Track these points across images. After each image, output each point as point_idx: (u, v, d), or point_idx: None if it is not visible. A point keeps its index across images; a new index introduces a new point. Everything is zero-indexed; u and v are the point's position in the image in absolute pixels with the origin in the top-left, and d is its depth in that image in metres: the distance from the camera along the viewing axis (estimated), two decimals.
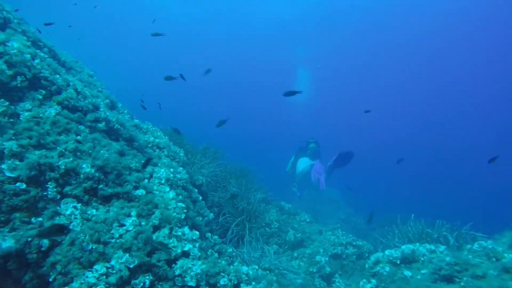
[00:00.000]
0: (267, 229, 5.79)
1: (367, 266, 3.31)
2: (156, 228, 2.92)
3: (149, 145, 4.85)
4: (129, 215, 2.85)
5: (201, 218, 3.95)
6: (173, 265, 2.69)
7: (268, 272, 4.21)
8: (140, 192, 3.19)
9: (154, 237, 2.78)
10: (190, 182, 4.93)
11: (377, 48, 26.13)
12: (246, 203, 5.89)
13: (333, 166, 6.53)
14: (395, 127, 34.48)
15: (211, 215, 4.52)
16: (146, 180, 3.49)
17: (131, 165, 3.42)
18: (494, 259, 2.59)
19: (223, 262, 3.07)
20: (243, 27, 27.29)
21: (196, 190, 4.54)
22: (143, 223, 2.83)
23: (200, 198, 4.58)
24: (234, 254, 4.40)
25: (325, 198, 10.10)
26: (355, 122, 32.60)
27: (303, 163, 6.77)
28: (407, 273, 2.99)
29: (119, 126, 4.01)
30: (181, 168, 4.38)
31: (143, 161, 3.94)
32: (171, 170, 3.98)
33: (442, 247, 3.39)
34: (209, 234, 3.97)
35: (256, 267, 4.05)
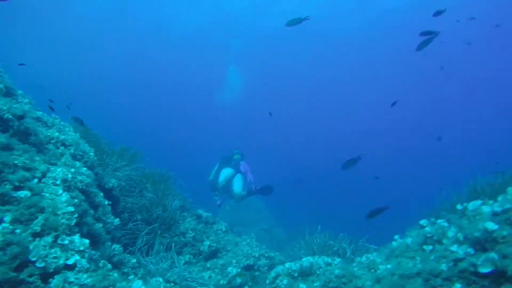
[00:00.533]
0: (181, 238, 5.60)
1: (267, 281, 3.38)
2: (37, 236, 2.57)
3: (52, 141, 4.32)
4: (0, 221, 2.45)
5: (101, 225, 3.61)
6: (51, 279, 2.37)
7: (173, 284, 4.03)
8: (24, 193, 2.79)
9: (31, 246, 2.43)
10: (97, 185, 4.52)
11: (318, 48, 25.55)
12: (161, 210, 5.64)
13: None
14: (324, 135, 36.06)
15: (116, 221, 4.19)
16: (36, 180, 3.08)
17: (17, 162, 2.98)
18: (373, 270, 2.86)
19: (115, 274, 2.83)
20: (168, 19, 23.64)
21: (102, 194, 4.16)
22: (18, 230, 2.46)
23: (107, 202, 4.21)
24: (137, 265, 4.12)
25: (250, 208, 10.27)
26: (284, 126, 33.33)
27: (226, 173, 6.78)
28: (302, 286, 3.13)
29: (10, 116, 3.49)
30: (86, 169, 3.99)
31: (37, 158, 3.49)
32: (72, 170, 3.59)
33: (337, 260, 3.66)
34: (109, 243, 3.65)
35: (160, 279, 3.84)
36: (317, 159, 32.94)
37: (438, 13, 5.16)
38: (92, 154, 4.82)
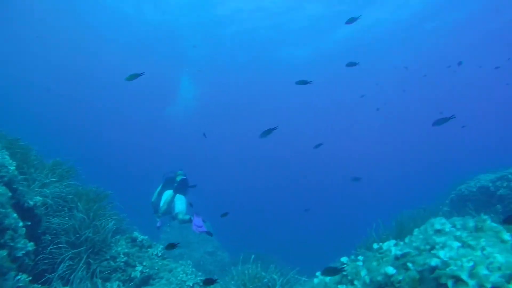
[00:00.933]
0: (111, 262, 5.23)
1: None
2: None
3: None
4: None
5: (6, 252, 3.24)
6: None
7: None
8: None
9: None
10: (14, 204, 4.12)
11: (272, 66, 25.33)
12: (92, 231, 5.24)
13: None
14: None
15: (30, 246, 3.80)
16: None
17: None
18: None
19: None
20: (119, 18, 21.08)
21: (16, 214, 3.78)
22: None
23: (21, 224, 3.83)
24: None
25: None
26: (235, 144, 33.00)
27: (167, 196, 6.54)
28: None
29: None
30: None
31: None
32: None
33: None
34: (14, 272, 3.28)
35: None
36: (262, 183, 33.22)
37: (351, 21, 5.57)
38: (12, 168, 4.40)
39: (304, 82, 4.93)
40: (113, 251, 5.35)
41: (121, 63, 25.04)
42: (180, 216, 6.58)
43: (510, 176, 5.92)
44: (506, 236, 2.20)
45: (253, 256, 4.48)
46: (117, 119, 33.04)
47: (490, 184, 6.05)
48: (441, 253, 2.08)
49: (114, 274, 5.20)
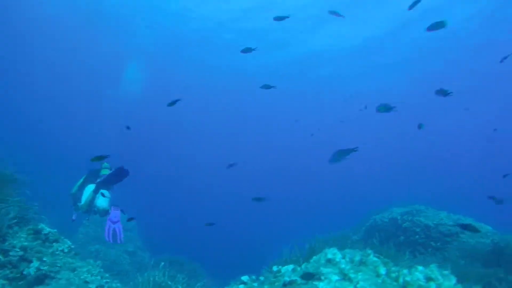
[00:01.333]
0: (0, 257, 4.63)
1: None
2: None
3: None
4: None
5: None
6: None
7: None
8: None
9: None
10: None
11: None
12: None
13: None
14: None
15: None
16: None
17: None
18: None
19: None
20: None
21: None
22: None
23: None
24: None
25: None
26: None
27: (88, 193, 6.02)
28: None
29: None
30: None
31: None
32: None
33: None
34: None
35: None
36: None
37: (246, 50, 5.65)
38: None
39: (173, 103, 4.93)
40: (7, 244, 4.75)
41: (63, 40, 22.90)
42: (101, 208, 6.13)
43: (414, 211, 6.64)
44: (382, 270, 2.37)
45: (162, 263, 4.31)
46: (51, 100, 30.00)
47: (399, 217, 6.70)
48: (321, 285, 2.17)
49: (1, 270, 4.61)
